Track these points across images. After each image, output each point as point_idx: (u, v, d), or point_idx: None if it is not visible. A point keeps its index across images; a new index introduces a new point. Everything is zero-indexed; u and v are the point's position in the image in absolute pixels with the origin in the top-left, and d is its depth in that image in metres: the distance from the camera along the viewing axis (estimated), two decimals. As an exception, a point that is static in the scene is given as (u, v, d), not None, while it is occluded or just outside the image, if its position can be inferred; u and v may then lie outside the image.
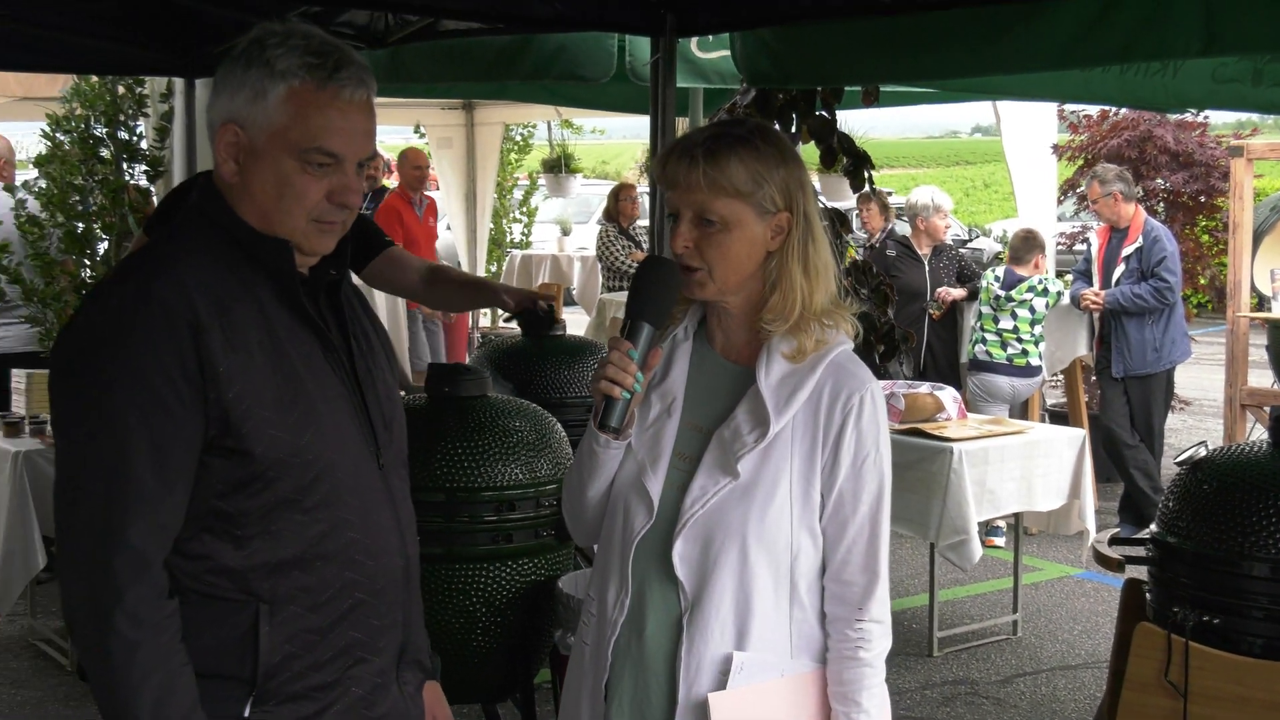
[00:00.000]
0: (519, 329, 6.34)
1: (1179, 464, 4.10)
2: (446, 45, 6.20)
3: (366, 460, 2.53)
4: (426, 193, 11.43)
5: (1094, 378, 10.26)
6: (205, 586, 2.38)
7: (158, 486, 2.30)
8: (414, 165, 11.26)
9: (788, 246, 2.70)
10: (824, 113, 5.31)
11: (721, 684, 2.67)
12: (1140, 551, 4.16)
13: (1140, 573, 4.25)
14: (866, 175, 5.36)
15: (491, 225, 14.47)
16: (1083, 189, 11.32)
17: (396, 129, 16.78)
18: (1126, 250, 9.02)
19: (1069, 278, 9.86)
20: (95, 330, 2.33)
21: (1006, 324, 9.02)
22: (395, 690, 2.58)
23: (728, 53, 5.75)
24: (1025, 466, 6.96)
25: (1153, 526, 4.16)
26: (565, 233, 15.35)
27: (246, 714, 2.38)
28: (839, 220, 5.38)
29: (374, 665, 2.52)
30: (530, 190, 15.38)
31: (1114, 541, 4.39)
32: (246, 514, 2.38)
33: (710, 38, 5.81)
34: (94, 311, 2.36)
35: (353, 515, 2.48)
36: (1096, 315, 9.33)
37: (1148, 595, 4.17)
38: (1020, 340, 9.03)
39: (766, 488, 2.66)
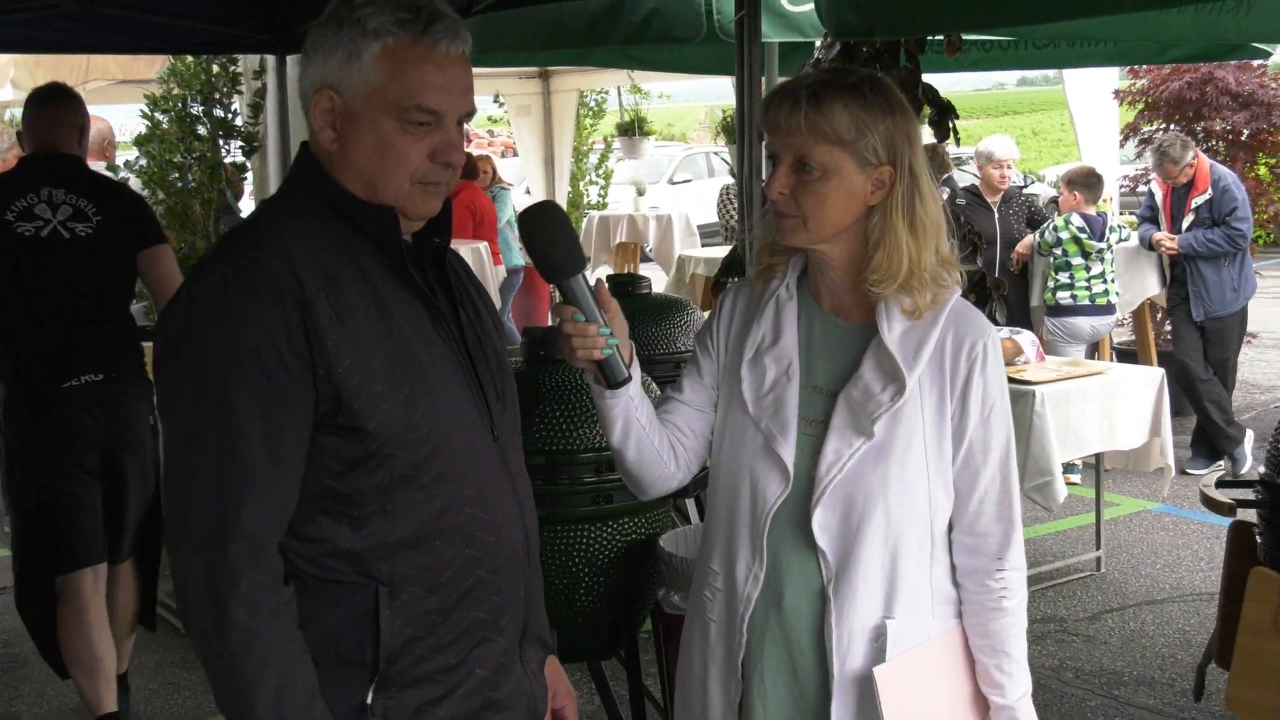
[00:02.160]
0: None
1: (1288, 405, 3.82)
2: (534, 13, 5.94)
3: (481, 432, 2.30)
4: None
5: (1160, 315, 9.93)
6: (322, 570, 2.17)
7: (271, 466, 2.08)
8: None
9: (891, 202, 2.45)
10: (908, 64, 5.01)
11: (875, 653, 2.46)
12: (1249, 494, 3.89)
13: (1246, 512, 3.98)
14: (951, 125, 5.06)
15: (569, 188, 14.23)
16: (1145, 135, 10.97)
17: (478, 98, 16.57)
18: (1196, 201, 8.72)
19: (1132, 218, 9.52)
20: (199, 307, 2.11)
21: (1096, 269, 8.67)
22: (519, 669, 2.36)
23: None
24: (1106, 406, 6.66)
25: (1261, 468, 3.88)
26: (640, 193, 15.10)
27: (369, 701, 2.17)
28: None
29: (498, 645, 2.30)
30: (605, 154, 15.11)
31: (1221, 484, 4.09)
32: (362, 493, 2.16)
33: (799, -10, 5.52)
34: (196, 289, 2.13)
35: (470, 490, 2.25)
36: (1166, 256, 9.02)
37: (1258, 538, 3.89)
38: (1105, 280, 8.69)
39: (902, 446, 2.44)
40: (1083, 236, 8.61)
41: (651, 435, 2.57)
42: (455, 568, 2.24)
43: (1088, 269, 8.65)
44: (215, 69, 7.69)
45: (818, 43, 6.90)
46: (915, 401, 2.45)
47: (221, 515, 2.06)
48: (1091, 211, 8.70)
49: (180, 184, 7.56)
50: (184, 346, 2.11)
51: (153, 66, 9.36)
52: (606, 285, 2.45)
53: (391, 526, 2.18)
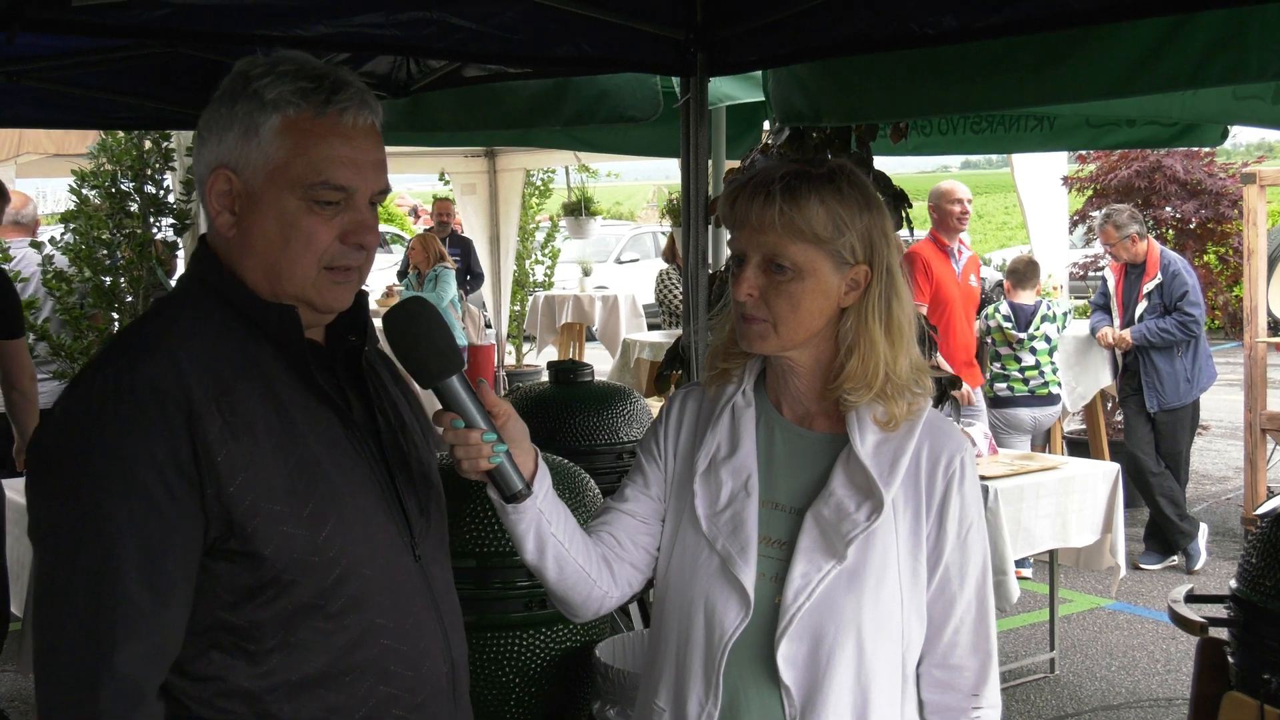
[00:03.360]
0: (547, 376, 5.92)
1: (1261, 516, 3.64)
2: (472, 91, 5.75)
3: (400, 553, 2.08)
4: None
5: (1110, 405, 9.80)
6: (215, 713, 1.93)
7: (151, 601, 1.85)
8: (951, 199, 8.17)
9: (866, 303, 2.26)
10: (859, 151, 4.85)
11: None
12: (1220, 610, 3.70)
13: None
14: (904, 213, 4.90)
15: (515, 267, 14.04)
16: (1092, 221, 10.90)
17: (422, 176, 16.43)
18: (1147, 286, 8.63)
19: (1082, 303, 9.42)
20: (74, 422, 1.89)
21: (1028, 360, 8.51)
22: (443, 823, 2.11)
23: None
24: (1060, 503, 6.49)
25: (1233, 582, 3.69)
26: (586, 273, 14.93)
27: None
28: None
29: (418, 796, 2.06)
30: (552, 232, 14.94)
31: (1191, 599, 3.89)
32: (260, 626, 1.93)
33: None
34: (73, 401, 1.92)
35: (386, 619, 2.03)
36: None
37: (1229, 657, 3.69)
38: (1041, 372, 8.54)
39: (876, 570, 2.22)
40: (1006, 326, 8.49)
41: (574, 551, 2.31)
42: (369, 707, 2.01)
43: (1018, 359, 8.51)
44: (147, 144, 7.46)
45: (766, 125, 6.77)
46: (889, 521, 2.24)
47: (95, 658, 1.83)
48: (1027, 300, 8.56)
49: (108, 261, 7.31)
50: (57, 468, 1.89)
51: (84, 141, 9.12)
52: (488, 386, 2.20)
53: (295, 662, 1.96)
